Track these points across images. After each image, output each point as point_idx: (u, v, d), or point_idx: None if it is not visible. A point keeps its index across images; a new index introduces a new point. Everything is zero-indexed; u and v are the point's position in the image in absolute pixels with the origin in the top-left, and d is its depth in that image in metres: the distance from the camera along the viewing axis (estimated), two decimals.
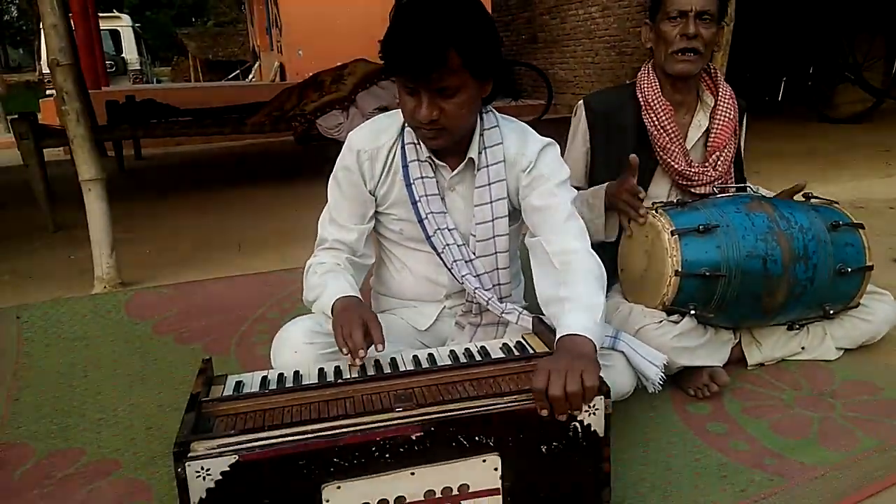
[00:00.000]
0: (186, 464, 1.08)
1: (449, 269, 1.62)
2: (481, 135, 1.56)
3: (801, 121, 6.81)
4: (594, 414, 1.21)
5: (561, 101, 9.64)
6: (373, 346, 1.39)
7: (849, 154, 5.10)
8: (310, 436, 1.13)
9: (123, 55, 16.66)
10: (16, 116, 4.25)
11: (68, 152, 2.62)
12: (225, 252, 3.20)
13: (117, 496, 1.51)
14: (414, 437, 1.15)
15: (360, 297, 1.53)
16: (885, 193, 3.91)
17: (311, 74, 4.82)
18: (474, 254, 1.61)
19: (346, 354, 1.38)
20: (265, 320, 2.38)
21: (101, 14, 12.70)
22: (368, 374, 1.38)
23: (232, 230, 3.63)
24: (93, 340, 2.27)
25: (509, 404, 1.20)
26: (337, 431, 1.14)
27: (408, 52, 1.36)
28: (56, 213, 3.84)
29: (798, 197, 1.98)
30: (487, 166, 1.56)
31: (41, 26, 2.56)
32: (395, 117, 1.62)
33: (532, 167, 1.57)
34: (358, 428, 1.15)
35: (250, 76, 17.32)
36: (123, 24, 17.23)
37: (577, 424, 1.21)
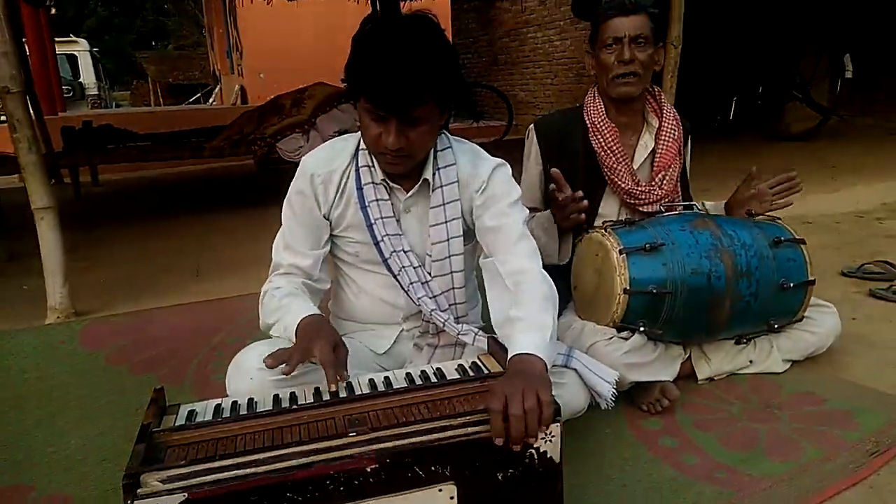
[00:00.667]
0: (135, 503, 1.07)
1: (405, 291, 1.64)
2: (435, 156, 1.59)
3: (751, 139, 7.01)
4: (550, 441, 1.22)
5: (522, 121, 9.77)
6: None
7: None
8: (261, 469, 1.12)
9: (81, 80, 16.41)
10: None
11: (23, 180, 2.57)
12: (182, 278, 3.17)
13: None
14: (369, 469, 1.14)
15: (323, 315, 1.53)
16: (830, 209, 4.04)
17: (271, 98, 4.82)
18: (430, 274, 1.63)
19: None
20: (223, 347, 2.36)
21: (57, 39, 12.51)
22: (323, 398, 1.38)
23: (190, 256, 3.60)
24: (45, 372, 2.23)
25: (465, 434, 1.20)
26: (289, 464, 1.13)
27: (387, 87, 1.37)
28: (9, 241, 3.76)
29: (741, 214, 2.05)
30: (441, 186, 1.59)
31: None
32: (349, 140, 1.64)
33: (485, 188, 1.60)
34: (311, 460, 1.13)
35: (211, 99, 17.20)
36: (80, 48, 16.98)
37: (534, 451, 1.21)
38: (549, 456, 1.22)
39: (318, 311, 1.53)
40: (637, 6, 1.90)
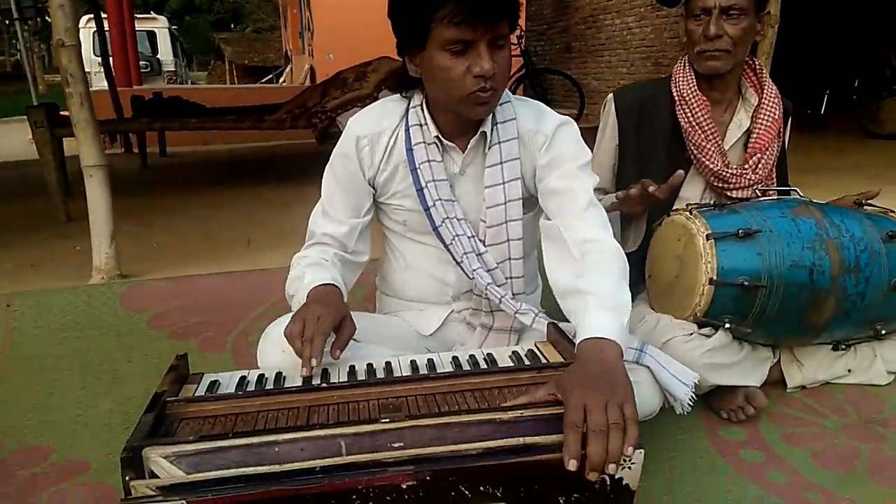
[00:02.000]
0: (132, 483, 0.92)
1: (458, 263, 1.47)
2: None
3: (844, 135, 6.53)
4: (629, 468, 0.98)
5: (593, 111, 9.44)
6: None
7: (892, 171, 4.84)
8: (274, 484, 0.93)
9: (158, 56, 16.83)
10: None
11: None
12: (233, 248, 3.09)
13: (81, 502, 1.37)
14: (404, 486, 0.94)
15: (339, 287, 1.38)
16: None
17: (335, 73, 4.71)
18: (484, 244, 1.45)
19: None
20: (266, 318, 2.23)
21: (137, 16, 12.83)
22: (357, 379, 1.23)
23: (244, 227, 3.53)
24: (83, 332, 2.16)
25: (525, 458, 0.97)
26: (310, 478, 0.94)
27: None
28: (71, 204, 3.77)
29: (851, 203, 1.79)
30: (500, 143, 1.41)
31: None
32: (399, 101, 1.49)
33: (549, 144, 1.42)
34: (336, 465, 0.95)
35: (282, 80, 17.41)
36: (160, 25, 17.41)
37: (607, 478, 0.98)
38: (624, 483, 0.99)
39: (332, 281, 1.38)
40: None
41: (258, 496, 0.92)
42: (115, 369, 1.95)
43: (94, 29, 7.67)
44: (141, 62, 12.68)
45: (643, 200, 1.61)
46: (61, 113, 3.94)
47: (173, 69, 17.12)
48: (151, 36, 16.63)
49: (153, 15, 18.13)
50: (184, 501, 0.90)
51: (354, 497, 0.93)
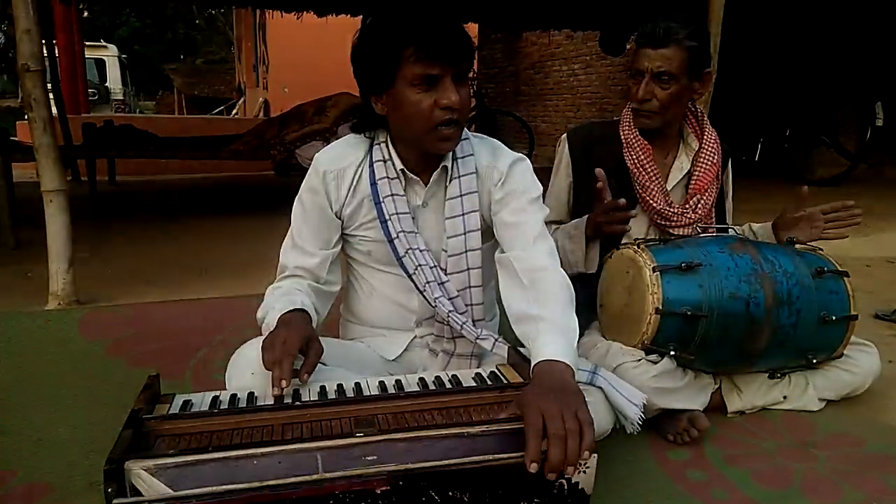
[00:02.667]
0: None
1: (421, 292, 1.54)
2: None
3: (777, 182, 6.89)
4: (584, 472, 1.09)
5: (542, 153, 9.72)
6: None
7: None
8: (255, 485, 0.99)
9: (107, 84, 16.60)
10: None
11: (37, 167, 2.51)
12: (187, 276, 3.09)
13: None
14: (378, 492, 1.02)
15: (308, 312, 1.44)
16: (860, 252, 3.92)
17: (294, 106, 4.79)
18: (446, 273, 1.53)
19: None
20: (225, 346, 2.26)
21: (87, 43, 12.66)
22: (329, 398, 1.28)
23: (197, 256, 3.53)
24: (41, 357, 2.13)
25: (491, 459, 1.06)
26: (288, 482, 1.00)
27: (443, 33, 1.35)
28: (21, 231, 3.71)
29: (785, 237, 1.94)
30: (459, 177, 1.51)
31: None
32: (363, 138, 1.57)
33: (504, 181, 1.52)
34: (313, 478, 1.00)
35: (234, 112, 17.33)
36: (109, 53, 17.21)
37: (564, 482, 1.09)
38: (580, 487, 1.09)
39: (301, 307, 1.44)
40: (669, 38, 1.77)
41: (239, 501, 0.97)
42: (74, 395, 1.93)
43: (45, 55, 7.56)
44: (89, 90, 12.48)
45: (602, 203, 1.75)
46: (11, 138, 3.90)
47: (122, 98, 16.89)
48: (101, 64, 16.42)
49: (103, 43, 17.90)
50: None
51: (332, 502, 0.99)
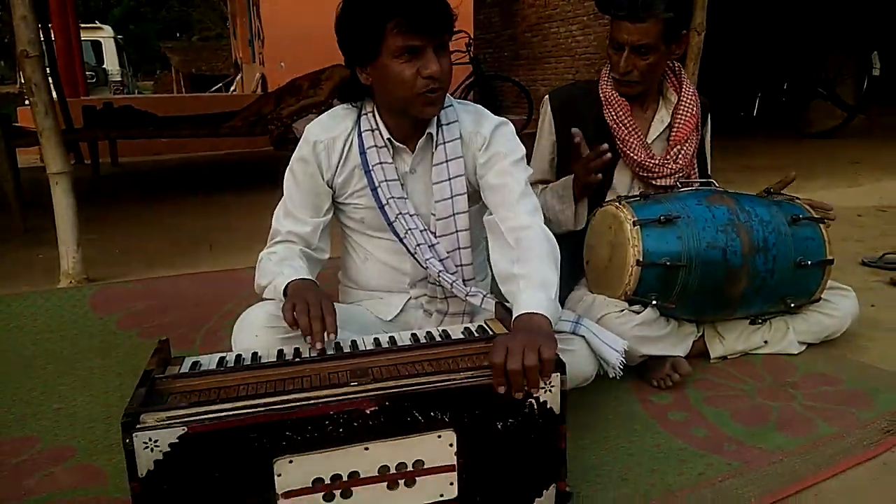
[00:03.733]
0: (134, 434, 1.06)
1: (412, 255, 1.62)
2: (438, 113, 1.58)
3: (776, 136, 6.92)
4: (550, 391, 1.20)
5: None
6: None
7: (820, 166, 5.19)
8: (261, 409, 1.12)
9: (105, 66, 16.58)
10: None
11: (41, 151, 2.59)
12: (195, 252, 3.18)
13: (71, 482, 1.48)
14: (368, 412, 1.13)
15: (316, 281, 1.52)
16: (853, 202, 3.98)
17: (289, 80, 4.83)
18: (435, 236, 1.61)
19: (301, 330, 1.36)
20: (232, 316, 2.33)
21: (82, 25, 12.64)
22: (327, 353, 1.37)
23: (204, 232, 3.61)
24: (56, 333, 2.24)
25: (465, 380, 1.19)
26: (289, 405, 1.12)
27: (426, 7, 1.40)
28: (28, 215, 3.80)
29: (759, 192, 2.01)
30: (444, 143, 1.58)
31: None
32: (351, 108, 1.64)
33: (487, 145, 1.59)
34: (310, 402, 1.13)
35: (232, 88, 17.28)
36: (105, 35, 17.17)
37: (534, 401, 1.20)
38: (549, 406, 1.20)
39: (311, 278, 1.52)
40: (648, 13, 1.82)
41: (247, 421, 1.09)
42: (89, 367, 2.04)
43: (42, 39, 7.59)
44: (87, 72, 12.50)
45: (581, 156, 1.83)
46: (14, 124, 3.97)
47: (120, 79, 16.88)
48: (97, 46, 16.40)
49: (98, 24, 17.84)
50: (185, 427, 1.06)
51: (327, 422, 1.12)
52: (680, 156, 1.98)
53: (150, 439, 1.07)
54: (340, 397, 1.14)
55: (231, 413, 1.11)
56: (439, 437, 1.18)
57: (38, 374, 2.00)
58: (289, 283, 1.47)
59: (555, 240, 1.50)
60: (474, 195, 1.64)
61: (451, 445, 1.19)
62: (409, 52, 1.43)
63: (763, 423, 1.64)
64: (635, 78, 1.91)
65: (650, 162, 1.96)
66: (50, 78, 6.63)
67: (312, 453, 1.13)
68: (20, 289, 2.60)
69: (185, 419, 1.08)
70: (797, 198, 2.01)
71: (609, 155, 1.80)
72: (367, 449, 1.15)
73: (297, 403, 1.12)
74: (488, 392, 1.18)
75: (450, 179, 1.59)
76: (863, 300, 2.15)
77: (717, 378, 1.87)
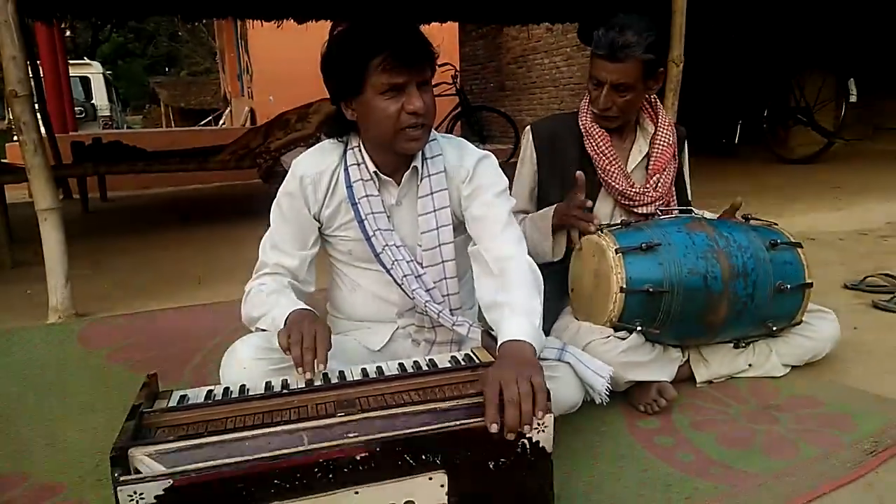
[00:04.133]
0: (119, 488, 1.05)
1: (399, 285, 1.65)
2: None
3: (757, 162, 7.03)
4: (543, 431, 1.20)
5: None
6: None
7: (801, 190, 5.28)
8: (248, 455, 1.11)
9: (94, 102, 16.67)
10: None
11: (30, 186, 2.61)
12: (184, 286, 3.19)
13: None
14: (358, 458, 1.13)
15: (314, 311, 1.54)
16: (834, 226, 4.04)
17: (278, 114, 4.88)
18: (422, 266, 1.64)
19: (292, 360, 1.37)
20: (220, 349, 2.34)
21: (71, 61, 12.73)
22: (315, 384, 1.39)
23: (193, 265, 3.62)
24: (44, 369, 2.24)
25: (457, 424, 1.18)
26: (277, 453, 1.11)
27: (407, 40, 1.44)
28: (16, 250, 3.80)
29: (739, 218, 2.05)
30: (429, 176, 1.61)
31: None
32: (337, 143, 1.67)
33: (471, 177, 1.63)
34: (299, 449, 1.12)
35: (221, 122, 17.40)
36: (94, 71, 17.30)
37: (526, 441, 1.20)
38: (541, 446, 1.20)
39: (307, 307, 1.54)
40: (626, 55, 1.87)
41: (233, 474, 1.08)
42: (78, 402, 2.04)
43: (31, 76, 7.64)
44: (76, 108, 12.55)
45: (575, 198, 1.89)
46: (2, 161, 3.99)
47: (109, 114, 16.96)
48: (86, 81, 16.49)
49: (87, 61, 17.97)
50: (170, 480, 1.05)
51: (316, 470, 1.11)
52: (659, 184, 2.03)
53: (136, 492, 1.06)
54: (330, 444, 1.13)
55: (216, 464, 1.09)
56: (430, 478, 1.18)
57: (27, 409, 1.99)
58: (290, 314, 1.48)
59: (538, 269, 1.53)
60: (459, 226, 1.67)
61: (442, 486, 1.19)
62: (393, 89, 1.47)
63: (748, 447, 1.65)
64: (614, 113, 1.97)
65: (631, 190, 2.01)
66: (39, 114, 6.71)
67: (302, 500, 1.12)
68: (8, 324, 2.60)
69: (171, 471, 1.07)
70: (775, 223, 2.05)
71: (590, 203, 1.88)
72: (357, 493, 1.15)
73: (286, 451, 1.11)
74: (481, 433, 1.17)
75: (435, 211, 1.62)
76: (845, 323, 2.19)
77: (702, 402, 1.89)
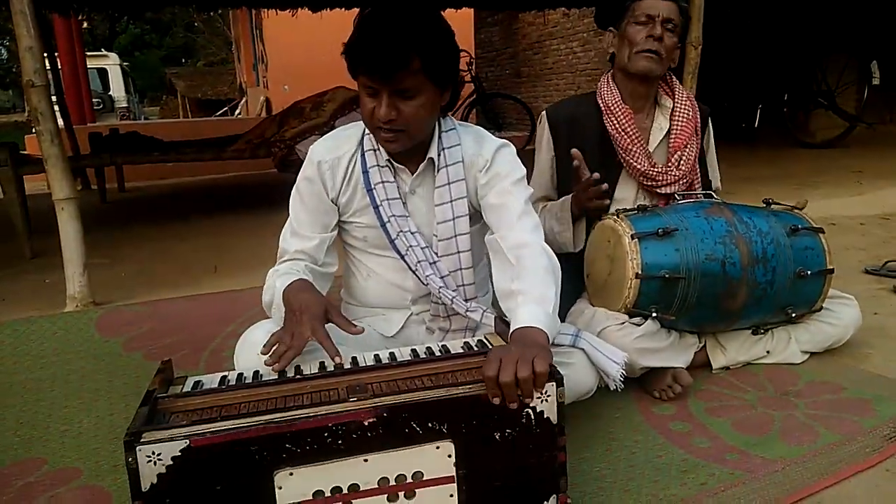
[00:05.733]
0: (137, 448, 1.08)
1: (413, 272, 1.64)
2: (440, 137, 1.61)
3: (777, 147, 6.93)
4: (546, 400, 1.20)
5: None
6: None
7: (822, 176, 5.20)
8: (261, 422, 1.13)
9: (111, 93, 16.80)
10: None
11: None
12: (200, 275, 3.20)
13: (76, 503, 1.49)
14: (366, 423, 1.14)
15: (310, 282, 1.54)
16: (855, 211, 3.98)
17: (292, 103, 4.88)
18: (437, 254, 1.63)
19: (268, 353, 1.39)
20: (236, 336, 2.35)
21: (88, 53, 12.83)
22: (327, 370, 1.39)
23: (209, 255, 3.64)
24: (62, 357, 2.26)
25: (461, 391, 1.20)
26: (289, 417, 1.14)
27: (373, 53, 1.41)
28: (35, 240, 3.84)
29: (758, 203, 2.02)
30: (447, 166, 1.60)
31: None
32: (357, 127, 1.66)
33: (489, 167, 1.61)
34: (310, 414, 1.14)
35: (237, 112, 17.48)
36: (111, 62, 17.43)
37: (530, 411, 1.20)
38: (545, 416, 1.21)
39: (300, 277, 1.54)
40: None
41: (248, 434, 1.11)
42: (95, 389, 2.06)
43: (48, 68, 7.70)
44: (93, 99, 12.66)
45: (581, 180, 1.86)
46: (21, 152, 4.03)
47: (126, 105, 17.11)
48: (103, 73, 16.63)
49: (104, 52, 18.11)
50: (187, 441, 1.08)
51: (326, 434, 1.13)
52: (682, 162, 1.99)
53: (154, 452, 1.09)
54: (339, 409, 1.16)
55: (233, 426, 1.12)
56: (438, 447, 1.18)
57: (45, 396, 2.02)
58: (285, 289, 1.49)
59: (555, 257, 1.51)
60: (475, 215, 1.66)
61: (449, 456, 1.19)
62: (369, 91, 1.47)
63: (765, 433, 1.63)
64: (662, 50, 1.92)
65: (654, 171, 1.97)
66: (56, 106, 6.76)
67: (312, 465, 1.14)
68: (27, 313, 2.63)
69: (188, 433, 1.10)
70: (796, 208, 2.02)
71: (606, 185, 1.84)
72: (366, 461, 1.16)
73: (297, 416, 1.14)
74: (484, 402, 1.19)
75: (452, 202, 1.61)
76: (866, 308, 2.15)
77: (718, 388, 1.87)
